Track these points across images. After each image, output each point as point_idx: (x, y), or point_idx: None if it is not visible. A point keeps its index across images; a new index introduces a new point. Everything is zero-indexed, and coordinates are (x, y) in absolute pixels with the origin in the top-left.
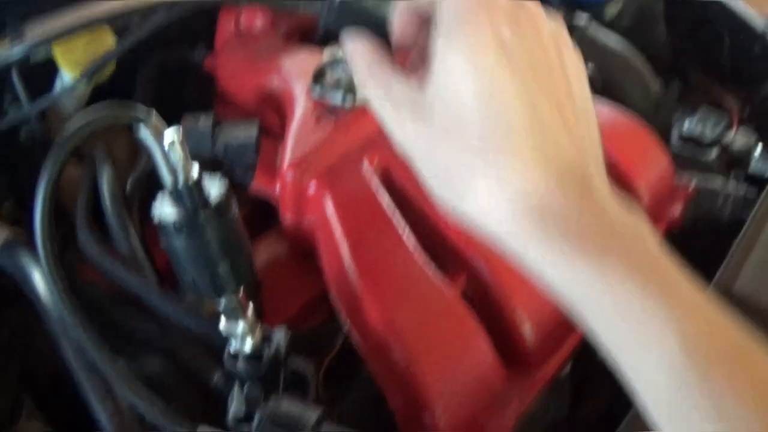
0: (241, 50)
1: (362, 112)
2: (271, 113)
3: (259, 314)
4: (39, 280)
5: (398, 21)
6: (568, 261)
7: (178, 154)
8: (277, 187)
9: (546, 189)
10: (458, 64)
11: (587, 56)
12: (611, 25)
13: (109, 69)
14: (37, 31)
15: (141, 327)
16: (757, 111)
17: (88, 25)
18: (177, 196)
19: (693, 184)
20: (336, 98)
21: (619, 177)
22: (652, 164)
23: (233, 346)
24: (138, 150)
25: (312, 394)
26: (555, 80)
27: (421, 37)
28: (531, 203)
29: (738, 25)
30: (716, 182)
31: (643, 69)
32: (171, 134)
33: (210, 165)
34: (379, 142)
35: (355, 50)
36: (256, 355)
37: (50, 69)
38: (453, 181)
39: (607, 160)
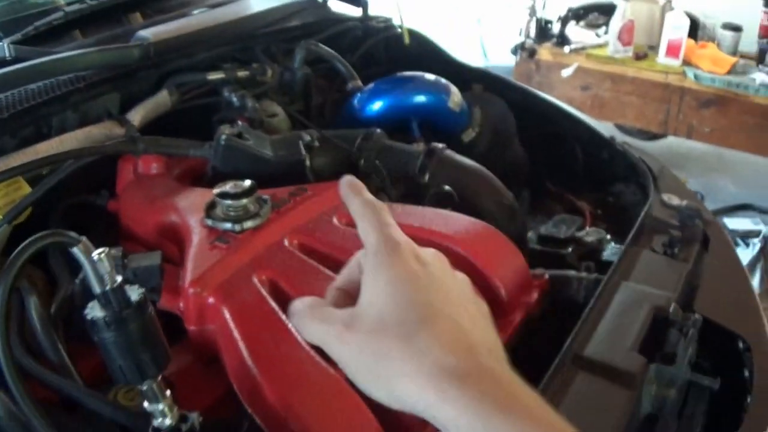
0: (140, 193)
1: (249, 235)
2: (171, 245)
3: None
4: None
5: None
6: (482, 417)
7: (104, 266)
8: (181, 303)
9: (461, 360)
10: (383, 281)
11: (444, 176)
12: (470, 148)
13: (26, 213)
14: None
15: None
16: (608, 209)
17: (6, 177)
18: (105, 299)
19: (547, 274)
20: (226, 227)
21: (476, 275)
22: (506, 262)
23: (156, 422)
24: (54, 282)
25: None
26: (451, 291)
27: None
28: (450, 372)
29: (588, 136)
30: (570, 271)
31: (495, 183)
32: (98, 252)
33: None
34: (264, 259)
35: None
36: (176, 428)
37: None
38: (378, 371)
39: (467, 262)
